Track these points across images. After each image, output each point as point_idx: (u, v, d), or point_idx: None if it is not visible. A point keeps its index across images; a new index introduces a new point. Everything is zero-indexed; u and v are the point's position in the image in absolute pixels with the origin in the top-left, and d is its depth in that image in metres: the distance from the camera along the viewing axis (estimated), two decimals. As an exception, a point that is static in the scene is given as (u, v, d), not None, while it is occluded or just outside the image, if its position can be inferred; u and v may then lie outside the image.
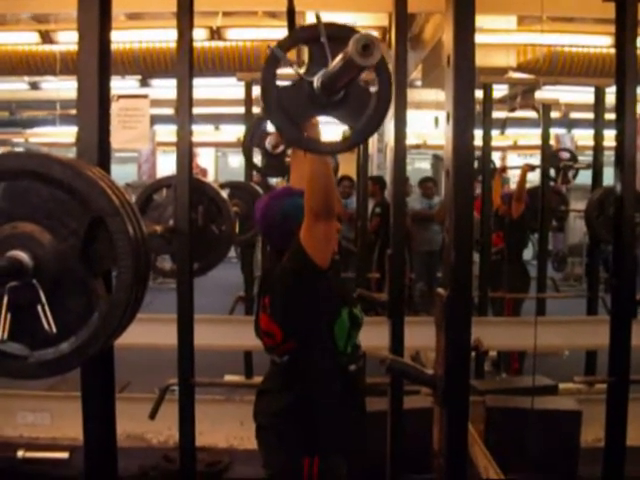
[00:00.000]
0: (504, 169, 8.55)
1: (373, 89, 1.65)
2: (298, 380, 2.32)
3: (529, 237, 6.98)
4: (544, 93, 6.87)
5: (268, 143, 3.66)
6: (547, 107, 6.26)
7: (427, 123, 10.54)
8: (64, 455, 4.05)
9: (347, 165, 8.23)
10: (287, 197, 2.41)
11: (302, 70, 1.63)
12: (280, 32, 5.55)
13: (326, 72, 1.56)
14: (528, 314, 6.20)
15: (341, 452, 2.35)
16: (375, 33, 6.50)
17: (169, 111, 9.14)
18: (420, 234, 8.07)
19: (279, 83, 1.63)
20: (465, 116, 1.79)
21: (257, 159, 3.95)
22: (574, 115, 11.39)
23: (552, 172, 6.59)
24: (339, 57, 1.46)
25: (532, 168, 6.60)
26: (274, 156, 3.66)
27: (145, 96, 4.08)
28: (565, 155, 7.08)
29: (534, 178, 7.15)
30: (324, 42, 1.58)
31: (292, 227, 2.31)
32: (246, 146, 4.03)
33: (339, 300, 2.35)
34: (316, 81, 1.59)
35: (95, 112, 1.72)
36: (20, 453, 4.11)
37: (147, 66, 6.59)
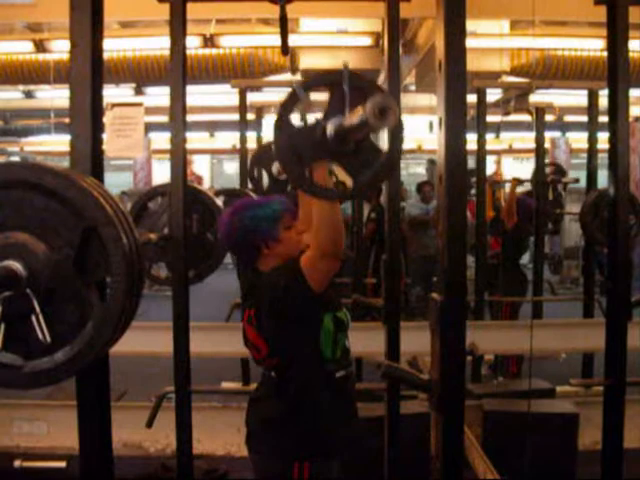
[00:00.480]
0: (496, 181, 8.55)
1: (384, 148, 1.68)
2: (286, 390, 2.31)
3: (527, 241, 6.99)
4: (538, 97, 6.87)
5: (275, 167, 3.69)
6: (541, 110, 6.27)
7: (421, 128, 10.57)
8: (61, 464, 4.01)
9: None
10: (245, 211, 2.38)
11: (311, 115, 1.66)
12: (273, 39, 5.56)
13: (341, 124, 1.58)
14: (525, 317, 6.20)
15: (332, 457, 2.35)
16: (368, 39, 6.52)
17: (164, 119, 9.15)
18: (416, 239, 8.08)
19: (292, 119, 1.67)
20: (457, 121, 1.80)
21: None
22: (568, 118, 11.42)
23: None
24: (356, 114, 1.47)
25: (520, 182, 6.62)
26: (279, 181, 3.69)
27: (139, 104, 4.08)
28: (551, 169, 7.09)
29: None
30: (345, 90, 1.61)
31: (255, 241, 2.32)
32: (252, 166, 4.07)
33: (320, 309, 2.31)
34: (329, 127, 1.61)
35: (88, 121, 1.72)
36: (17, 463, 4.08)
37: (141, 74, 6.60)
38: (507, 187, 7.43)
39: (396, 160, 1.67)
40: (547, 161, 7.73)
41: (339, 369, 2.34)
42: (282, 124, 1.64)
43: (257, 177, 4.21)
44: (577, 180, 6.56)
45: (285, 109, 1.64)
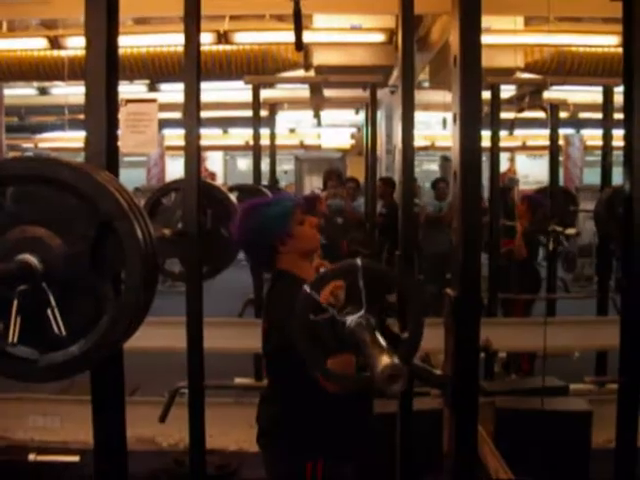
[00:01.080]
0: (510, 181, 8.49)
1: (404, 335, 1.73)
2: (297, 389, 2.30)
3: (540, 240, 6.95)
4: (552, 93, 6.84)
5: None
6: (555, 107, 6.24)
7: (435, 124, 10.54)
8: (75, 458, 4.04)
9: (356, 167, 8.23)
10: (256, 211, 2.37)
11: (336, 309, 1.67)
12: (287, 35, 5.56)
13: (360, 341, 1.58)
14: (538, 315, 6.17)
15: (345, 456, 2.34)
16: (381, 36, 6.50)
17: (177, 115, 9.16)
18: (429, 235, 8.05)
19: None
20: (472, 116, 1.79)
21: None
22: (583, 115, 11.35)
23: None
24: (370, 354, 1.49)
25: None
26: None
27: (153, 100, 4.08)
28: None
29: (543, 179, 7.12)
30: (362, 287, 1.64)
31: (269, 240, 2.31)
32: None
33: None
34: (348, 322, 1.63)
35: (103, 117, 1.72)
36: (31, 457, 4.11)
37: (155, 70, 6.61)
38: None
39: (416, 347, 1.73)
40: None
41: None
42: (302, 327, 1.68)
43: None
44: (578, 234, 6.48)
45: (303, 313, 1.67)
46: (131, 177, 12.12)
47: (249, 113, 5.75)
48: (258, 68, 6.60)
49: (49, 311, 1.42)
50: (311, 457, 2.27)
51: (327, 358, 1.70)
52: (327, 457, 2.28)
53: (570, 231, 6.56)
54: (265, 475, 2.46)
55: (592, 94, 7.98)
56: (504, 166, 10.41)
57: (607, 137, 5.68)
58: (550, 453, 3.67)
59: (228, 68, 6.60)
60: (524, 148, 14.02)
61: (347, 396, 2.31)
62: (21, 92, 9.88)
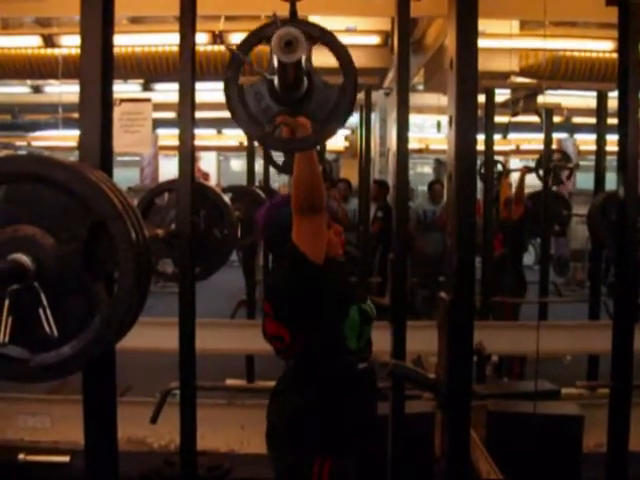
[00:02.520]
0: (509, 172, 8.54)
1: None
2: (308, 382, 2.32)
3: (529, 241, 6.98)
4: (546, 97, 6.86)
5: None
6: (549, 111, 6.26)
7: (430, 127, 10.55)
8: (65, 459, 4.04)
9: (349, 169, 8.22)
10: (285, 207, 2.37)
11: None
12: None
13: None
14: (530, 319, 6.19)
15: (352, 453, 2.35)
16: (377, 38, 6.51)
17: (172, 115, 9.15)
18: (423, 238, 8.06)
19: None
20: (468, 119, 1.79)
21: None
22: (576, 120, 11.38)
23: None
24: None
25: (530, 170, 6.61)
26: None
27: (148, 100, 4.07)
28: (557, 156, 7.07)
29: (535, 182, 7.14)
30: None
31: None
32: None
33: (346, 299, 2.34)
34: (276, 80, 1.60)
35: (98, 116, 1.71)
36: (21, 457, 4.10)
37: (150, 70, 6.60)
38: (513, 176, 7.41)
39: (351, 91, 1.63)
40: (554, 147, 7.71)
41: (361, 361, 2.34)
42: (231, 90, 1.63)
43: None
44: (577, 166, 6.55)
45: (230, 75, 1.63)
46: (124, 177, 12.12)
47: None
48: (253, 69, 6.59)
49: (41, 311, 1.41)
50: (319, 453, 2.27)
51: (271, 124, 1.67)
52: (335, 453, 2.28)
53: (571, 165, 6.67)
54: (256, 475, 2.46)
55: (586, 99, 8.01)
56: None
57: (601, 142, 5.70)
58: (541, 457, 3.68)
59: (223, 68, 6.58)
60: (518, 152, 14.05)
61: (355, 390, 2.32)
62: (14, 90, 9.85)
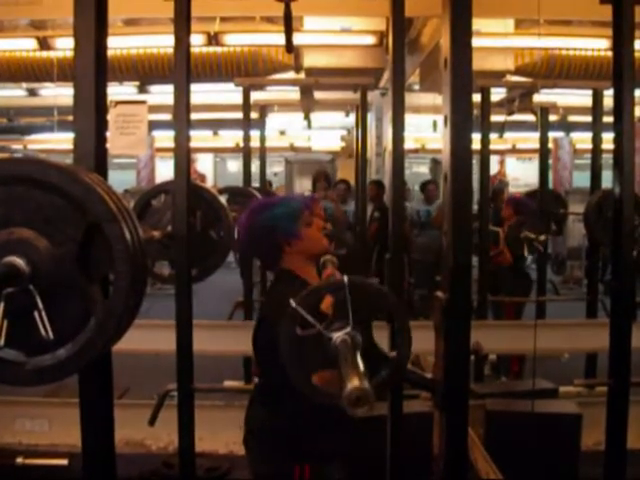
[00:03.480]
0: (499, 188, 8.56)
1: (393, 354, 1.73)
2: (277, 394, 2.29)
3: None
4: (542, 96, 6.87)
5: None
6: (545, 110, 6.27)
7: (426, 127, 10.56)
8: (63, 462, 4.02)
9: (346, 169, 8.22)
10: (265, 210, 2.36)
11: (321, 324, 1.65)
12: (277, 37, 5.55)
13: (340, 359, 1.58)
14: (528, 317, 6.19)
15: (334, 459, 2.33)
16: (372, 38, 6.51)
17: (167, 117, 9.15)
18: (419, 238, 8.07)
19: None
20: (463, 119, 1.79)
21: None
22: (572, 118, 11.41)
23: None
24: (345, 373, 1.49)
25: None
26: None
27: (143, 102, 4.07)
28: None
29: (534, 181, 7.15)
30: (348, 300, 1.63)
31: (276, 240, 2.30)
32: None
33: None
34: (334, 339, 1.61)
35: (92, 118, 1.71)
36: (19, 460, 4.09)
37: (145, 72, 6.60)
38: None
39: (404, 366, 1.73)
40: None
41: None
42: (287, 342, 1.67)
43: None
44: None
45: (288, 329, 1.67)
46: (121, 179, 12.10)
47: (239, 115, 5.75)
48: (248, 70, 6.60)
49: (36, 314, 1.40)
50: (299, 459, 2.26)
51: (312, 373, 1.69)
52: (314, 459, 2.27)
53: (541, 238, 6.56)
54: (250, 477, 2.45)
55: (582, 97, 8.02)
56: (494, 169, 10.43)
57: (596, 140, 5.70)
58: (540, 455, 3.68)
59: (218, 70, 6.59)
60: (514, 151, 14.08)
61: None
62: (10, 93, 9.85)
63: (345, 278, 1.64)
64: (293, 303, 1.64)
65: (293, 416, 2.26)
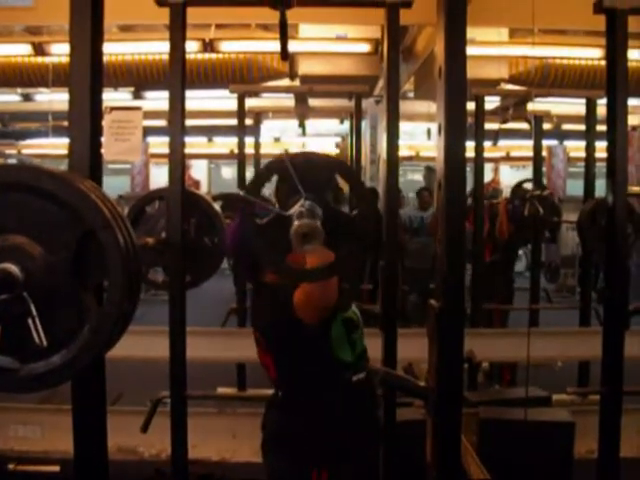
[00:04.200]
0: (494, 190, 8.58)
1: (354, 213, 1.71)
2: (301, 399, 2.31)
3: (518, 250, 7.01)
4: (536, 105, 6.89)
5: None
6: (539, 119, 6.29)
7: (420, 135, 10.58)
8: (55, 468, 4.02)
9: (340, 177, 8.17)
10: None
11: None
12: (272, 45, 5.56)
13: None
14: (521, 325, 6.20)
15: (349, 461, 2.33)
16: (367, 46, 6.53)
17: (162, 123, 9.15)
18: (411, 245, 8.08)
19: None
20: (457, 127, 1.80)
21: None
22: (566, 126, 11.45)
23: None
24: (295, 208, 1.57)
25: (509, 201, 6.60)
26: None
27: (138, 108, 4.08)
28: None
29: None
30: (293, 175, 1.66)
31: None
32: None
33: (326, 321, 2.29)
34: (294, 213, 1.65)
35: (87, 124, 1.71)
36: (11, 466, 4.08)
37: (140, 78, 6.61)
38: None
39: (368, 223, 1.70)
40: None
41: (356, 372, 2.34)
42: (250, 231, 1.68)
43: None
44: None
45: (247, 220, 1.69)
46: (115, 185, 12.10)
47: (234, 122, 5.75)
48: (243, 77, 6.61)
49: (30, 320, 1.40)
50: (316, 464, 2.26)
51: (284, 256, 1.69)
52: (331, 464, 2.28)
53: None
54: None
55: (575, 106, 8.05)
56: (488, 177, 10.45)
57: (590, 148, 5.72)
58: (533, 463, 3.68)
59: (213, 76, 6.60)
60: (508, 159, 14.12)
61: (351, 402, 2.31)
62: (5, 98, 9.84)
63: (284, 156, 1.68)
64: (241, 193, 1.68)
65: (313, 419, 2.28)
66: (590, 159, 5.71)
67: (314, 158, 1.72)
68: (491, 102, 6.92)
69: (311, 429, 2.28)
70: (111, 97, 8.21)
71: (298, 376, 2.31)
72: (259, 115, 6.23)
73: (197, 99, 8.84)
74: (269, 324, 2.31)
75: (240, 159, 5.67)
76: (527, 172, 9.61)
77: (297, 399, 2.32)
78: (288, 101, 6.91)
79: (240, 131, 5.64)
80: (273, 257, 1.67)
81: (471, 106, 5.53)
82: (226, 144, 13.10)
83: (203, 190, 14.48)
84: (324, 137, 12.92)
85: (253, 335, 2.42)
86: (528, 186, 6.55)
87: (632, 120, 8.66)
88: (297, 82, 7.02)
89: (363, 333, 2.42)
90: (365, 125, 9.88)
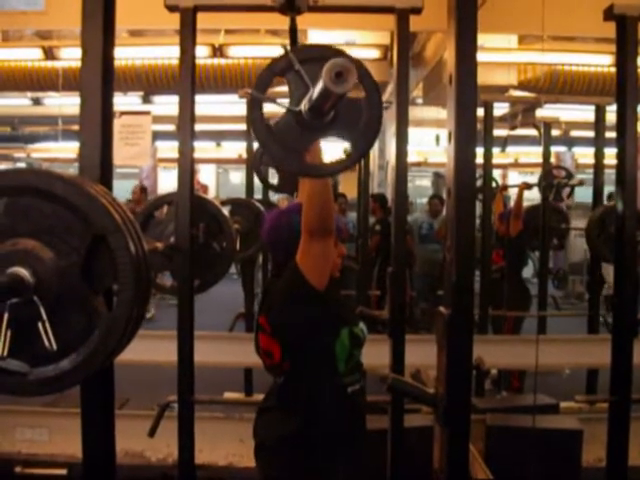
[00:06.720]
0: (505, 187, 8.55)
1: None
2: (296, 402, 2.30)
3: (528, 255, 6.98)
4: (545, 111, 6.88)
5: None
6: (548, 125, 6.28)
7: (428, 141, 10.57)
8: (62, 472, 4.02)
9: (348, 183, 8.23)
10: (298, 213, 2.35)
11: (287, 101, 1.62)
12: (282, 50, 5.56)
13: (309, 99, 1.56)
14: (529, 332, 6.18)
15: (341, 471, 2.33)
16: (376, 52, 6.53)
17: (171, 128, 9.18)
18: (420, 252, 8.08)
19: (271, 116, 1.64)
20: (467, 134, 1.80)
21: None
22: (575, 133, 11.43)
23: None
24: (317, 86, 1.47)
25: (529, 186, 6.61)
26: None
27: (147, 113, 4.10)
28: (561, 173, 7.06)
29: (533, 196, 7.17)
30: (299, 69, 1.60)
31: (297, 245, 2.30)
32: (256, 165, 4.08)
33: (338, 321, 2.33)
34: (303, 107, 1.59)
35: (98, 129, 1.72)
36: (18, 469, 4.09)
37: (149, 83, 6.61)
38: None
39: (378, 105, 1.63)
40: (554, 162, 7.71)
41: (352, 383, 2.34)
42: (259, 129, 1.63)
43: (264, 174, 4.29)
44: (582, 183, 6.56)
45: (254, 116, 1.64)
46: (123, 189, 12.12)
47: (243, 126, 5.76)
48: (252, 82, 6.61)
49: (40, 325, 1.41)
50: (307, 470, 2.26)
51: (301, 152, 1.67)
52: (322, 471, 2.27)
53: (574, 182, 6.60)
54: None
55: (584, 112, 8.04)
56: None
57: (599, 155, 5.71)
58: (541, 471, 3.66)
59: (223, 81, 6.61)
60: (516, 165, 14.10)
61: (343, 411, 2.31)
62: (14, 102, 9.88)
63: (289, 52, 1.62)
64: (249, 90, 1.64)
65: (306, 423, 2.27)
66: (599, 166, 5.70)
67: (321, 50, 1.64)
68: (500, 108, 6.92)
69: (304, 437, 2.28)
70: (121, 102, 8.23)
71: (300, 359, 2.29)
72: (268, 120, 6.23)
73: (206, 104, 8.86)
74: (281, 301, 2.29)
75: (249, 164, 5.68)
76: (534, 178, 9.60)
77: (295, 389, 2.31)
78: (297, 106, 6.91)
79: (249, 136, 5.64)
80: (289, 154, 1.64)
81: (480, 112, 5.53)
82: (235, 149, 13.11)
83: (211, 195, 14.50)
84: (332, 142, 12.91)
85: (258, 321, 2.41)
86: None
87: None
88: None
89: (361, 353, 2.42)
90: (373, 131, 9.86)
